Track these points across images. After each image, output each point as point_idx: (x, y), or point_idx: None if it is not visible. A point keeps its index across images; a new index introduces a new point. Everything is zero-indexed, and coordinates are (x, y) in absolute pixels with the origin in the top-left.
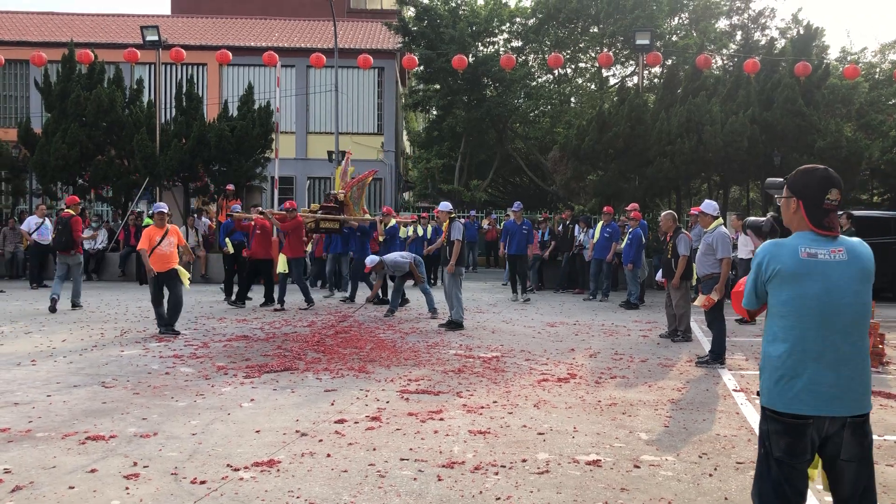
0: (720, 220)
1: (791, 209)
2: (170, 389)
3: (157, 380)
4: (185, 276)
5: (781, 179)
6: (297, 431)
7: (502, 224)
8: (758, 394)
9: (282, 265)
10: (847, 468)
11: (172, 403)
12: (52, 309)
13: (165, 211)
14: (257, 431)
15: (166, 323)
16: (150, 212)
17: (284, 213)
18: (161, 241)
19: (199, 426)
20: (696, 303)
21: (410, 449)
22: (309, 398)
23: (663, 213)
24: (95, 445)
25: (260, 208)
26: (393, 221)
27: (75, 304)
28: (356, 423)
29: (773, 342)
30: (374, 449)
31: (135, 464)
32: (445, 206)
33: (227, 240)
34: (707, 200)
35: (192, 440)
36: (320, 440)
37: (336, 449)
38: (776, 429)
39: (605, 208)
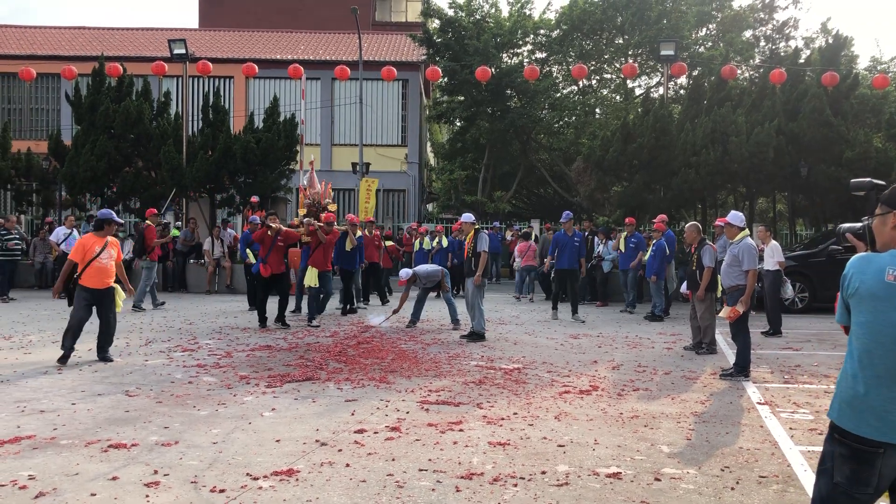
0: (746, 231)
1: (890, 224)
2: (192, 398)
3: (179, 389)
4: (120, 297)
5: (868, 180)
6: (316, 441)
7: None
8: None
9: (311, 278)
10: None
11: (194, 412)
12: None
13: (114, 219)
14: (277, 441)
15: (98, 349)
16: (96, 217)
17: (324, 225)
18: (101, 253)
19: (220, 435)
20: (721, 314)
21: (429, 459)
22: (329, 408)
23: (688, 225)
24: (117, 453)
25: (310, 219)
26: (358, 233)
27: (136, 307)
28: (376, 433)
29: (849, 359)
30: (393, 459)
31: (155, 472)
32: (468, 217)
33: (248, 251)
34: (733, 211)
35: (213, 449)
36: (339, 450)
37: (355, 459)
38: (842, 452)
39: (626, 220)
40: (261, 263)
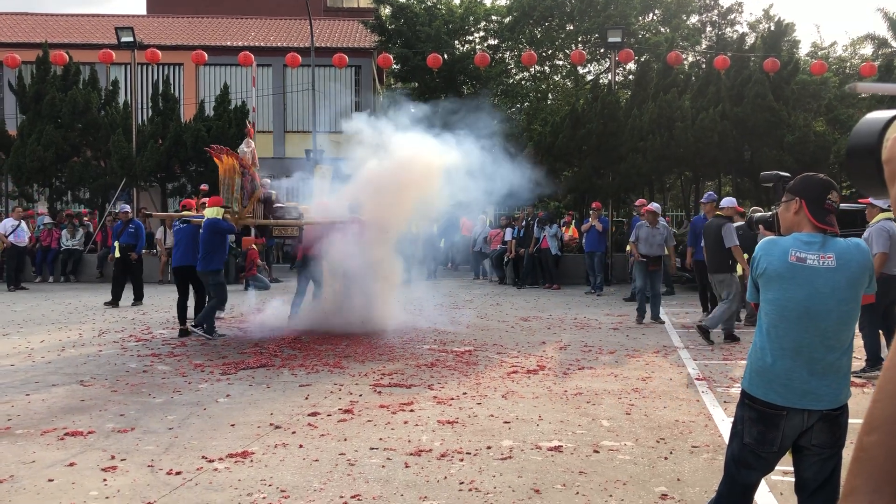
0: (887, 213)
1: (793, 210)
2: (147, 387)
3: (134, 378)
4: None
5: (775, 173)
6: (270, 424)
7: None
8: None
9: None
10: (811, 454)
11: (150, 400)
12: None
13: None
14: (232, 425)
15: None
16: None
17: None
18: None
19: (176, 421)
20: None
21: (380, 439)
22: (284, 393)
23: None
24: (74, 441)
25: None
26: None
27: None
28: (329, 415)
29: (759, 333)
30: (346, 439)
31: (112, 457)
32: (730, 202)
33: (115, 244)
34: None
35: (169, 434)
36: (293, 432)
37: (308, 440)
38: (751, 415)
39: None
40: None
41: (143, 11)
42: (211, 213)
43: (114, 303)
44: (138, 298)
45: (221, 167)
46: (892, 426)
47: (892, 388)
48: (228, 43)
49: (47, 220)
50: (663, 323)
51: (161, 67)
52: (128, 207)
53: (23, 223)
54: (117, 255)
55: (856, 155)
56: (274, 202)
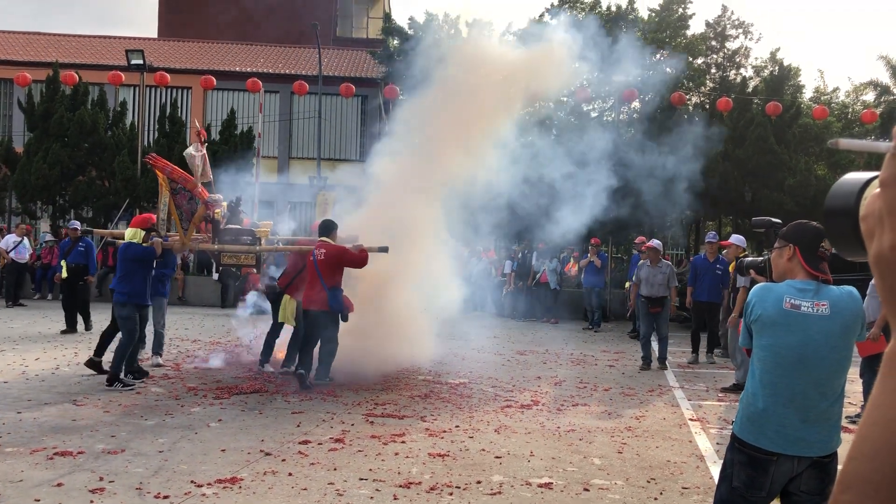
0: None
1: (786, 257)
2: (140, 408)
3: (127, 399)
4: None
5: (767, 219)
6: (261, 451)
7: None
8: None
9: (289, 316)
10: (799, 500)
11: (141, 422)
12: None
13: None
14: (223, 450)
15: None
16: None
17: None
18: None
19: (167, 444)
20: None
21: (370, 469)
22: (276, 419)
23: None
24: (63, 461)
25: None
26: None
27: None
28: (320, 444)
29: (752, 379)
30: (335, 469)
31: (101, 479)
32: (739, 239)
33: (62, 263)
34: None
35: (159, 457)
36: (283, 460)
37: (298, 468)
38: (741, 459)
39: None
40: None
41: (155, 35)
42: (129, 234)
43: (70, 329)
44: (87, 327)
45: (161, 181)
46: (867, 486)
47: (868, 447)
48: (237, 69)
49: (49, 237)
50: (667, 369)
51: (169, 90)
52: (77, 224)
53: (25, 240)
54: (64, 275)
55: (833, 216)
56: (220, 223)
